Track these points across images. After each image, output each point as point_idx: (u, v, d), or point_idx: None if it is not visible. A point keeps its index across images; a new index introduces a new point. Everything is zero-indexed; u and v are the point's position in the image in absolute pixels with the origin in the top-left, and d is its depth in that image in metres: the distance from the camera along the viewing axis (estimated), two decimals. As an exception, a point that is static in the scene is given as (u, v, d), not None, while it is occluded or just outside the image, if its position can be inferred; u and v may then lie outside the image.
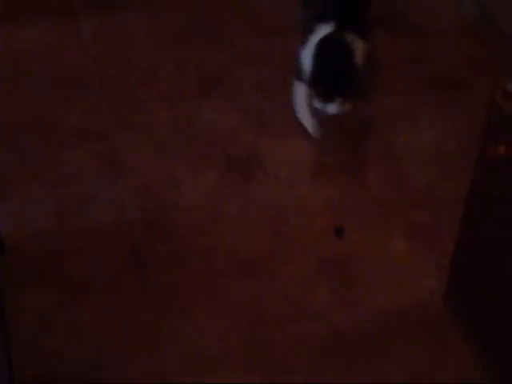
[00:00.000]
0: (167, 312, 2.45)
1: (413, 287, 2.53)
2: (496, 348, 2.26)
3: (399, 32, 3.45)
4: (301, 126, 2.98)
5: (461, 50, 3.35)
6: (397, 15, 3.54)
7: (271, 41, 3.36)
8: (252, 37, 3.38)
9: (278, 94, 3.13)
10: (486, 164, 2.13)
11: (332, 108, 2.81)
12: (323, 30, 2.87)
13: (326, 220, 2.70)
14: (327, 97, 2.81)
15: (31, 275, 2.54)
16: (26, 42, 3.35)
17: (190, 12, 3.50)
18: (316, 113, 2.92)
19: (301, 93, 2.95)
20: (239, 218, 2.71)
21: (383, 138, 2.99)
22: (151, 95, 3.16)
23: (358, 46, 2.86)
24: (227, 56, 3.31)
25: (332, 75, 2.80)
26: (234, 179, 2.83)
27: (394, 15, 3.54)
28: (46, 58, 3.29)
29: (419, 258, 2.60)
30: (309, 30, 2.92)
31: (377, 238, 2.66)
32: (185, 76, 3.23)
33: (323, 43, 2.85)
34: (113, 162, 2.89)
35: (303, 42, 2.93)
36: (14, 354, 1.97)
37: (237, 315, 2.44)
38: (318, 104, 2.86)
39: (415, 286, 2.53)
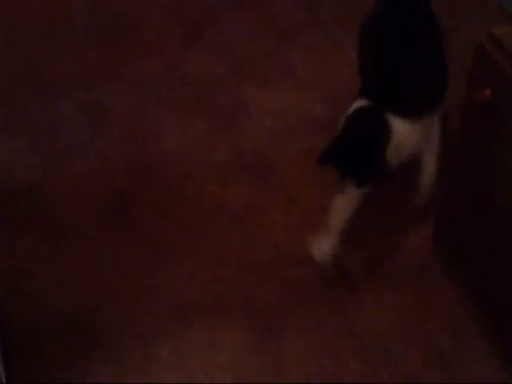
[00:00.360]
0: (155, 259, 2.46)
1: (401, 234, 2.54)
2: (483, 293, 2.28)
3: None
4: (286, 74, 2.97)
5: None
6: None
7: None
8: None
9: (264, 43, 3.12)
10: (473, 108, 2.13)
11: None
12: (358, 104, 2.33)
13: (312, 168, 2.69)
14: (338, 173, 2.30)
15: (18, 224, 2.55)
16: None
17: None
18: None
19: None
20: (225, 166, 2.71)
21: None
22: (136, 45, 3.14)
23: (401, 129, 2.28)
24: (212, 4, 3.28)
25: (348, 150, 2.27)
26: (220, 128, 2.82)
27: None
28: (30, 8, 3.26)
29: (408, 205, 2.61)
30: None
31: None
32: (169, 25, 3.21)
33: (357, 114, 2.31)
34: (98, 111, 2.89)
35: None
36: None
37: (225, 262, 2.45)
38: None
39: (404, 233, 2.54)
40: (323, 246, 2.34)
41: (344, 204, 2.31)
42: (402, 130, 2.27)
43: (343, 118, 2.34)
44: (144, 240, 2.51)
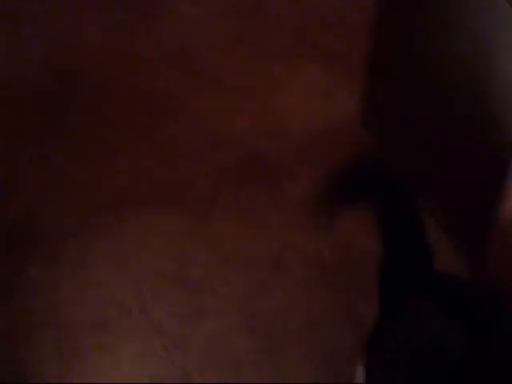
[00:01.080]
0: (87, 156, 2.41)
1: (331, 112, 2.50)
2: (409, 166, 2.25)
3: None
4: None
5: None
6: None
7: None
8: None
9: None
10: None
11: None
12: None
13: (237, 54, 2.65)
14: None
15: None
16: None
17: None
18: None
19: None
20: (148, 56, 2.64)
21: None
22: None
23: None
24: None
25: None
26: (139, 18, 2.74)
27: None
28: None
29: (335, 84, 2.57)
30: None
31: (291, 66, 2.62)
32: None
33: None
34: (15, 16, 2.77)
35: None
36: None
37: (158, 153, 2.41)
38: None
39: (333, 112, 2.51)
40: None
41: None
42: None
43: None
44: (76, 140, 2.45)
